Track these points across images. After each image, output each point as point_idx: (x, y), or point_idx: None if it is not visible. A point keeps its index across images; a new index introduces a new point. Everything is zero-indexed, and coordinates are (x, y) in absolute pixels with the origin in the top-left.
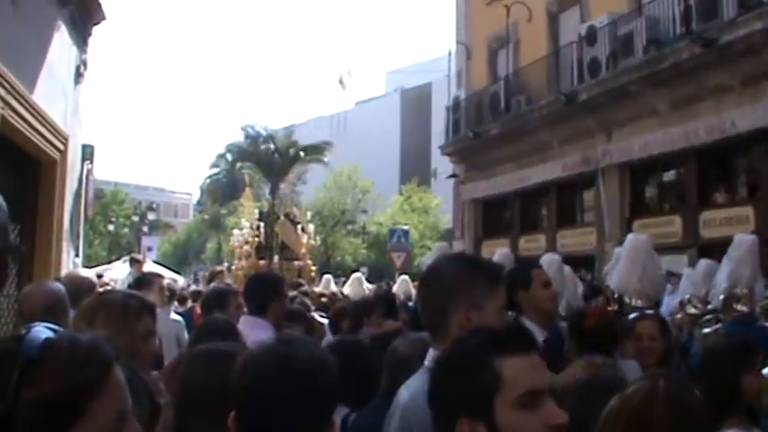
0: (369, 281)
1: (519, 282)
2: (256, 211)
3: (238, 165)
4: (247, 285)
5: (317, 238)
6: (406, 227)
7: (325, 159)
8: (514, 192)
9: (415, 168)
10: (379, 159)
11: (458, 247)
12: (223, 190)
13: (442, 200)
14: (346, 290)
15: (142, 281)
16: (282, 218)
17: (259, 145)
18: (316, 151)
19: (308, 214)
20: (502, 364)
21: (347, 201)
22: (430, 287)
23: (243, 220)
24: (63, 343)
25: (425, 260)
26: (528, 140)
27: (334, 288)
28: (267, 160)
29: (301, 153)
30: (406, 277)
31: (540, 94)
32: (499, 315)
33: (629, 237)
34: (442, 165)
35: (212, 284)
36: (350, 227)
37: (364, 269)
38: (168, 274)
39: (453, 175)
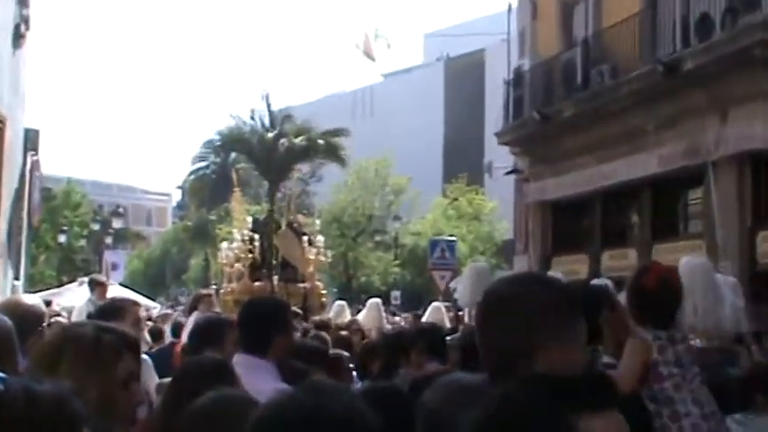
0: (401, 308)
1: (598, 306)
2: (249, 219)
3: (232, 156)
4: (242, 315)
5: (334, 251)
6: (452, 238)
7: (343, 152)
8: (595, 192)
9: (463, 162)
10: (415, 149)
11: (520, 264)
12: (212, 189)
13: (498, 203)
14: (361, 319)
15: (109, 310)
16: (284, 227)
17: (254, 133)
18: (330, 139)
19: (317, 222)
20: (584, 424)
21: (375, 204)
22: (498, 319)
23: (234, 231)
24: (16, 398)
25: (456, 284)
26: (613, 124)
27: (349, 318)
28: (263, 152)
29: (318, 142)
30: (438, 305)
31: (631, 64)
32: (581, 354)
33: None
34: (499, 157)
35: (196, 313)
36: (378, 238)
37: (396, 293)
38: (140, 301)
39: (514, 171)
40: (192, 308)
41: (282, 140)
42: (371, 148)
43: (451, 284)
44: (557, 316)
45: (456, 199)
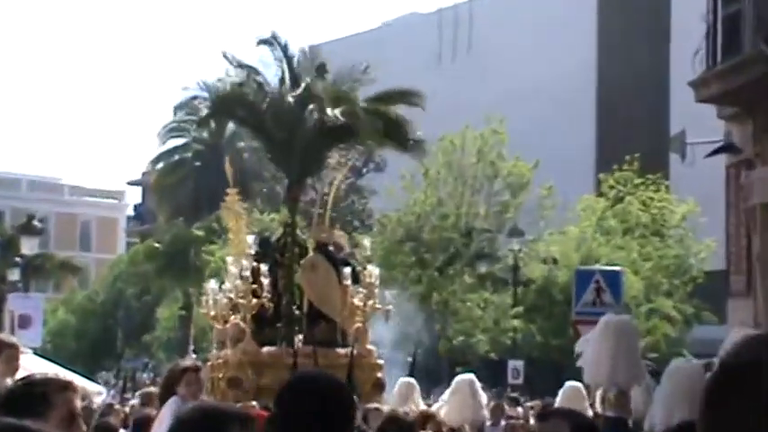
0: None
1: None
2: (250, 239)
3: (229, 129)
4: (280, 408)
5: (403, 292)
6: (614, 267)
7: (417, 134)
8: None
9: (630, 135)
10: (546, 115)
11: (740, 313)
12: (194, 186)
13: (695, 205)
14: (444, 410)
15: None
16: (312, 252)
17: (263, 94)
18: (392, 110)
19: (367, 244)
20: None
21: (478, 209)
22: (733, 401)
23: (229, 258)
24: None
25: (581, 348)
26: None
27: (421, 404)
28: (280, 124)
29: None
30: (575, 384)
31: None
32: None
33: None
34: (696, 126)
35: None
36: (484, 268)
37: (517, 364)
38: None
39: (725, 149)
40: (166, 391)
41: (311, 107)
42: (468, 110)
43: (577, 347)
44: None
45: (621, 199)
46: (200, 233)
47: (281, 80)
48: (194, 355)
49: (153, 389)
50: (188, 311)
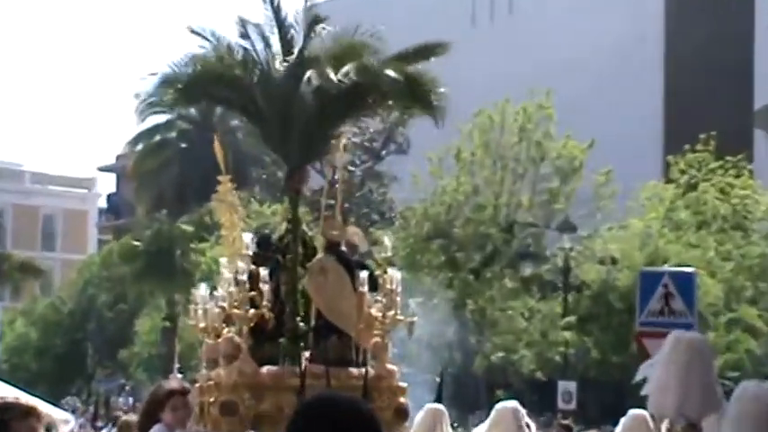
0: (579, 419)
1: None
2: (247, 237)
3: (219, 109)
4: None
5: (430, 300)
6: (687, 268)
7: (441, 98)
8: None
9: (704, 111)
10: (603, 85)
11: None
12: (180, 173)
13: None
14: None
15: None
16: (321, 253)
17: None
18: (413, 68)
19: (388, 243)
20: None
21: (520, 197)
22: None
23: (223, 259)
24: None
25: (645, 372)
26: None
27: None
28: (272, 100)
29: (388, 74)
30: (639, 413)
31: None
32: None
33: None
34: None
35: (157, 429)
36: (529, 270)
37: (569, 385)
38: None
39: None
40: (147, 419)
41: (309, 74)
42: (509, 82)
43: (640, 372)
44: None
45: (694, 186)
46: (188, 228)
47: (268, 46)
48: (180, 376)
49: (131, 416)
50: (173, 323)
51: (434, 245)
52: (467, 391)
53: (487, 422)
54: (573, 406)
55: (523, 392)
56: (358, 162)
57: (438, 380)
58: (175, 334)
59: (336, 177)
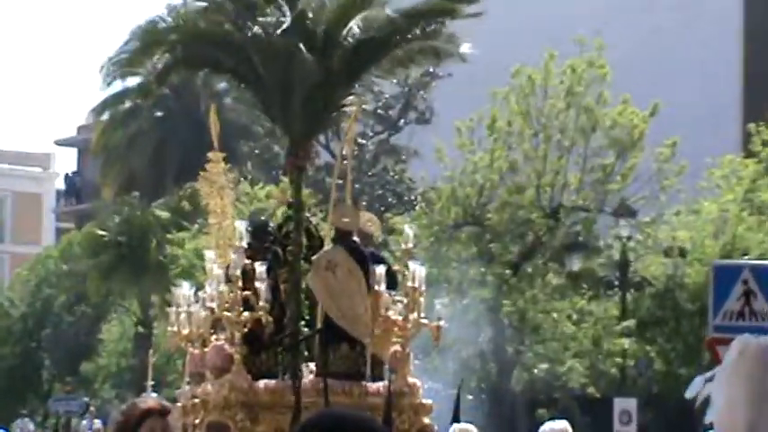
0: None
1: None
2: (241, 226)
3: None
4: None
5: (457, 302)
6: None
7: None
8: None
9: None
10: (663, 33)
11: None
12: (157, 146)
13: None
14: None
15: None
16: (329, 246)
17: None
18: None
19: (411, 232)
20: None
21: (569, 174)
22: None
23: (208, 252)
24: None
25: (697, 388)
26: None
27: None
28: (266, 57)
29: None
30: None
31: None
32: None
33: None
34: None
35: None
36: (576, 263)
37: (628, 403)
38: None
39: None
40: None
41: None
42: (551, 32)
43: (690, 390)
44: None
45: None
46: (164, 214)
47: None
48: (154, 394)
49: None
50: (147, 329)
51: (464, 234)
52: (503, 411)
53: None
54: (632, 428)
55: (572, 412)
56: (371, 133)
57: (456, 393)
58: (150, 343)
59: (346, 152)
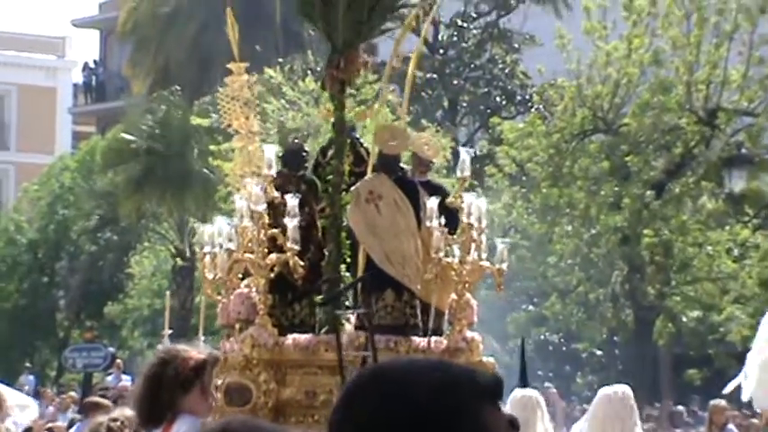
0: None
1: None
2: (270, 151)
3: None
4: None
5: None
6: None
7: None
8: None
9: None
10: None
11: None
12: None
13: None
14: None
15: None
16: (371, 175)
17: None
18: None
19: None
20: None
21: (730, 70)
22: None
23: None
24: None
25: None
26: None
27: None
28: None
29: None
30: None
31: None
32: None
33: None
34: None
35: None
36: (738, 184)
37: None
38: None
39: None
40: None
41: None
42: None
43: (737, 382)
44: None
45: None
46: (205, 122)
47: None
48: (202, 340)
49: (125, 410)
50: (188, 261)
51: (592, 143)
52: (643, 372)
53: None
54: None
55: (731, 373)
56: (474, 14)
57: (520, 349)
58: (192, 277)
59: (395, 64)
